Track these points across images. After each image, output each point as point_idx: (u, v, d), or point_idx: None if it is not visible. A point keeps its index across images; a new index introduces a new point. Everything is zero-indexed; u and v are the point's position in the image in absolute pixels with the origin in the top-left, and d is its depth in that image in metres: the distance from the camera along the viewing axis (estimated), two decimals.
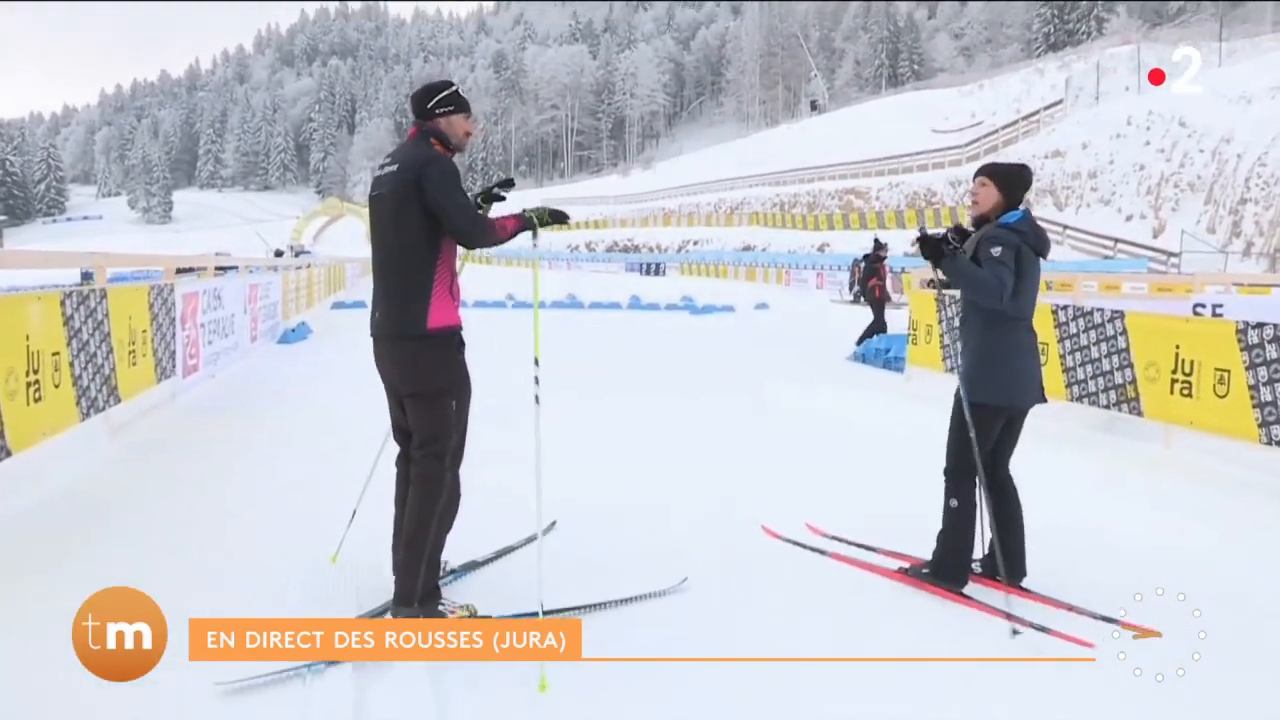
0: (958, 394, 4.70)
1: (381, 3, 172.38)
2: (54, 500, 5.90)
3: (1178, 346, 7.98)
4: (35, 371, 5.92)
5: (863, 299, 32.91)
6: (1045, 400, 4.79)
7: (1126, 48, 54.87)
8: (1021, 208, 4.74)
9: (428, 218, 3.99)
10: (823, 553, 5.25)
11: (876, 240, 18.40)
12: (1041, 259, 4.68)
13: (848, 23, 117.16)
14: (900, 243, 43.40)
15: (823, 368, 13.54)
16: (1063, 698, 3.68)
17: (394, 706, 3.39)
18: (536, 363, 4.35)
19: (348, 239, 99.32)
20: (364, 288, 36.25)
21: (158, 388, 8.86)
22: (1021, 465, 4.85)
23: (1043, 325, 8.75)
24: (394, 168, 4.07)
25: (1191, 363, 7.84)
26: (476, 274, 62.66)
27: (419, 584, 4.01)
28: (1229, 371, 7.48)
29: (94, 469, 6.73)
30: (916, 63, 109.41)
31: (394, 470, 4.36)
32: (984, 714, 3.56)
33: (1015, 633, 4.17)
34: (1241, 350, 7.36)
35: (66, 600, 3.30)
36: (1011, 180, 4.69)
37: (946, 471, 4.78)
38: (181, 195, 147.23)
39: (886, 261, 17.39)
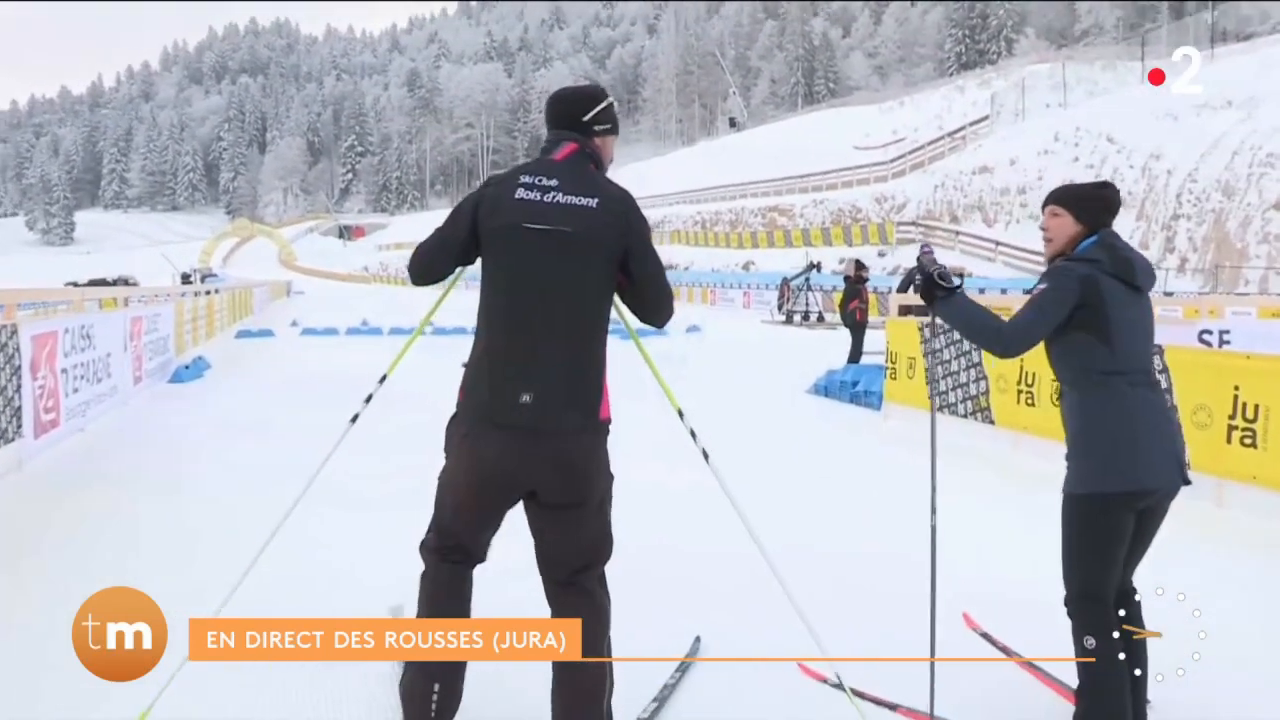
0: (1063, 490, 3.47)
1: (295, 15, 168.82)
2: None
3: (1236, 387, 6.76)
4: None
5: (790, 320, 32.65)
6: (1187, 480, 3.43)
7: (1045, 66, 55.10)
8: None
9: (615, 275, 3.18)
10: (894, 708, 3.76)
11: (858, 261, 17.30)
12: (1139, 290, 3.49)
13: (763, 41, 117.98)
14: (830, 261, 42.81)
15: (784, 403, 12.20)
16: (1046, 703, 3.58)
17: (394, 706, 3.36)
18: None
19: (258, 261, 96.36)
20: (274, 314, 34.32)
21: None
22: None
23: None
24: (591, 201, 3.13)
25: (1256, 407, 6.62)
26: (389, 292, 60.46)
27: None
28: None
29: None
30: (832, 81, 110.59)
31: (415, 587, 3.36)
32: None
33: None
34: None
35: None
36: (1090, 205, 3.58)
37: (1068, 601, 3.45)
38: (84, 216, 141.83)
39: (869, 284, 16.18)
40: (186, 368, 14.63)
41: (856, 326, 15.41)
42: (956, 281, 3.58)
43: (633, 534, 4.81)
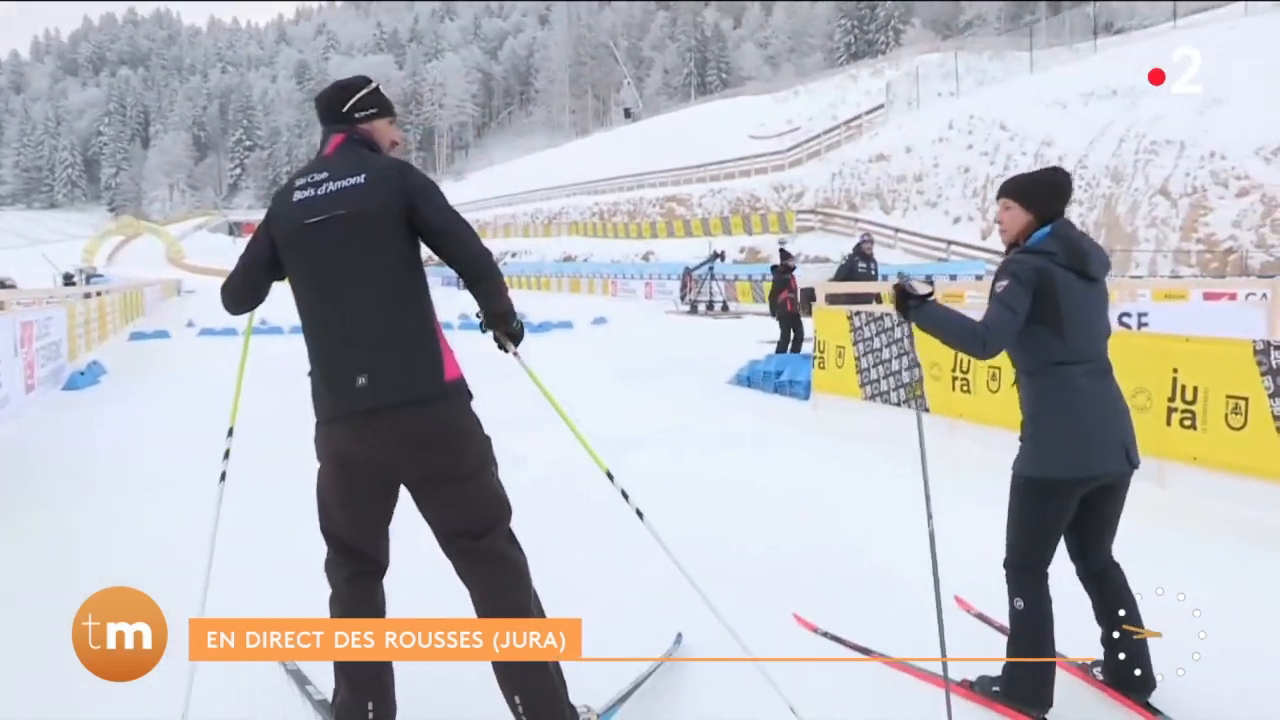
0: (1013, 468, 3.71)
1: (175, 6, 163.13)
2: None
3: (1175, 370, 6.80)
4: None
5: (695, 310, 32.64)
6: (1131, 466, 3.64)
7: (936, 55, 55.99)
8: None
9: (414, 241, 3.18)
10: (867, 652, 4.20)
11: (783, 250, 17.20)
12: (1094, 279, 3.63)
13: (655, 32, 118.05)
14: (731, 250, 42.95)
15: (707, 395, 12.05)
16: (1063, 698, 3.60)
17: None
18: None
19: (145, 260, 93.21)
20: (167, 313, 33.16)
21: None
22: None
23: None
24: (356, 179, 3.14)
25: (1195, 389, 6.66)
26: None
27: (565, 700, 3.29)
28: (1246, 399, 6.32)
29: None
30: (724, 71, 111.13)
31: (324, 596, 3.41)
32: None
33: None
34: (1263, 375, 6.21)
35: None
36: (1038, 192, 3.71)
37: (1006, 565, 3.73)
38: None
39: (796, 272, 16.04)
40: (82, 374, 13.93)
41: (787, 317, 15.16)
42: (927, 290, 3.67)
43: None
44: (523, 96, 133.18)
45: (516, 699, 3.24)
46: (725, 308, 32.10)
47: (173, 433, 9.50)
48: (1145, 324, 10.25)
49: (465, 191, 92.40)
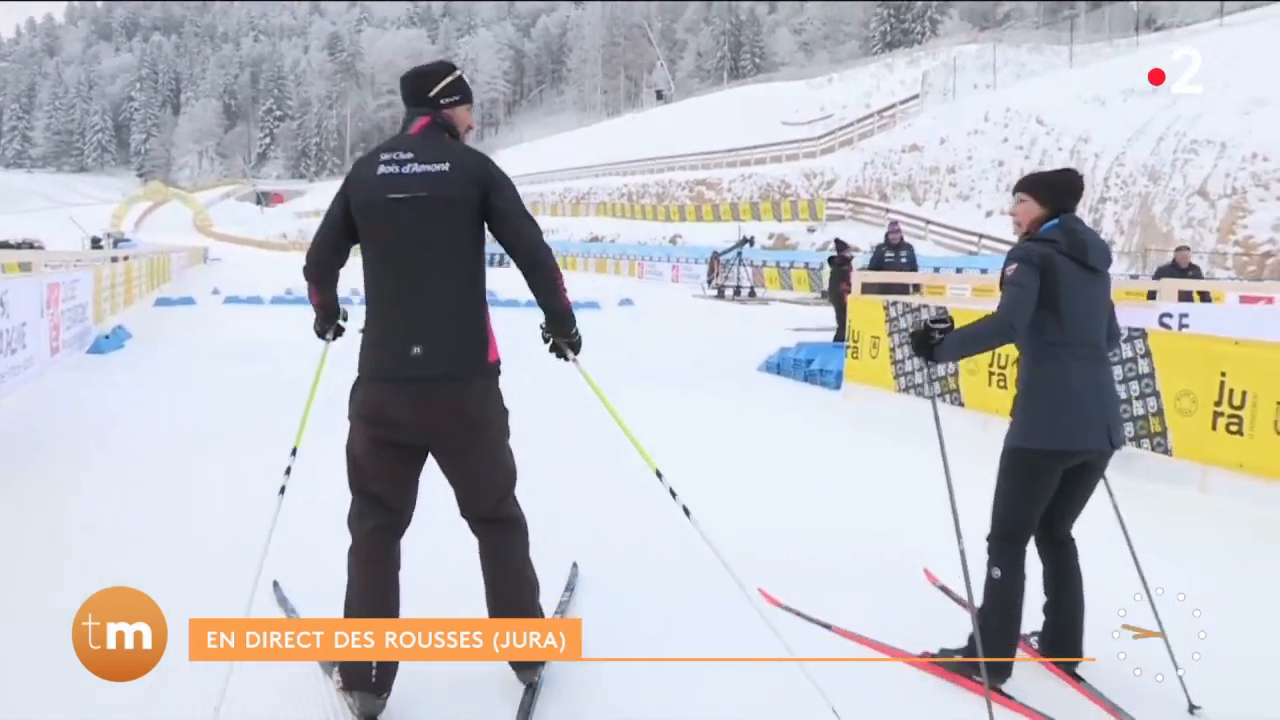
0: (1005, 443, 3.97)
1: None
2: None
3: (1223, 374, 6.61)
4: None
5: (721, 294, 32.41)
6: (1113, 446, 3.88)
7: (973, 46, 55.37)
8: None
9: (482, 230, 3.47)
10: (828, 627, 4.41)
11: (840, 240, 16.86)
12: (1095, 270, 3.90)
13: (689, 15, 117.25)
14: (761, 236, 42.71)
15: (737, 381, 11.86)
16: (1062, 697, 3.66)
17: (394, 706, 3.49)
18: None
19: (172, 226, 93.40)
20: (193, 281, 33.17)
21: None
22: None
23: None
24: (441, 166, 3.39)
25: (1244, 394, 6.46)
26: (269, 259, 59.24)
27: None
28: None
29: None
30: (758, 56, 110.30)
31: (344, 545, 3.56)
32: None
33: None
34: None
35: None
36: (1051, 188, 4.00)
37: (989, 537, 3.96)
38: None
39: (854, 262, 15.77)
40: (107, 337, 13.89)
41: (845, 307, 14.79)
42: (944, 325, 3.87)
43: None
44: (554, 75, 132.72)
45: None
46: (753, 293, 31.88)
47: (193, 404, 9.45)
48: (1186, 325, 10.03)
49: None
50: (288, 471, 3.73)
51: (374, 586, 3.51)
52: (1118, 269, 29.84)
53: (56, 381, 10.60)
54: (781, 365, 12.38)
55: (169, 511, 5.82)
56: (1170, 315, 10.14)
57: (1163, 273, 15.55)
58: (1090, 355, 3.85)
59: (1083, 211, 29.16)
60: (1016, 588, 3.87)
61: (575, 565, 4.91)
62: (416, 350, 3.34)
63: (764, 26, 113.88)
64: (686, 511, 3.60)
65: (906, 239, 16.09)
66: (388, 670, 3.45)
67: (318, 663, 3.71)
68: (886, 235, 15.19)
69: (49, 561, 4.93)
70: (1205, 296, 12.71)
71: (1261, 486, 6.41)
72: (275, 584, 4.47)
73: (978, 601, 3.79)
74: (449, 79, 3.59)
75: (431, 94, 3.56)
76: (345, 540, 3.55)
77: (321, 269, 3.65)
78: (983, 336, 3.90)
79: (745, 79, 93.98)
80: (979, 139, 40.15)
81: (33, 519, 5.61)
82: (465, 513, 3.61)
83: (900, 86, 56.21)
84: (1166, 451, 6.98)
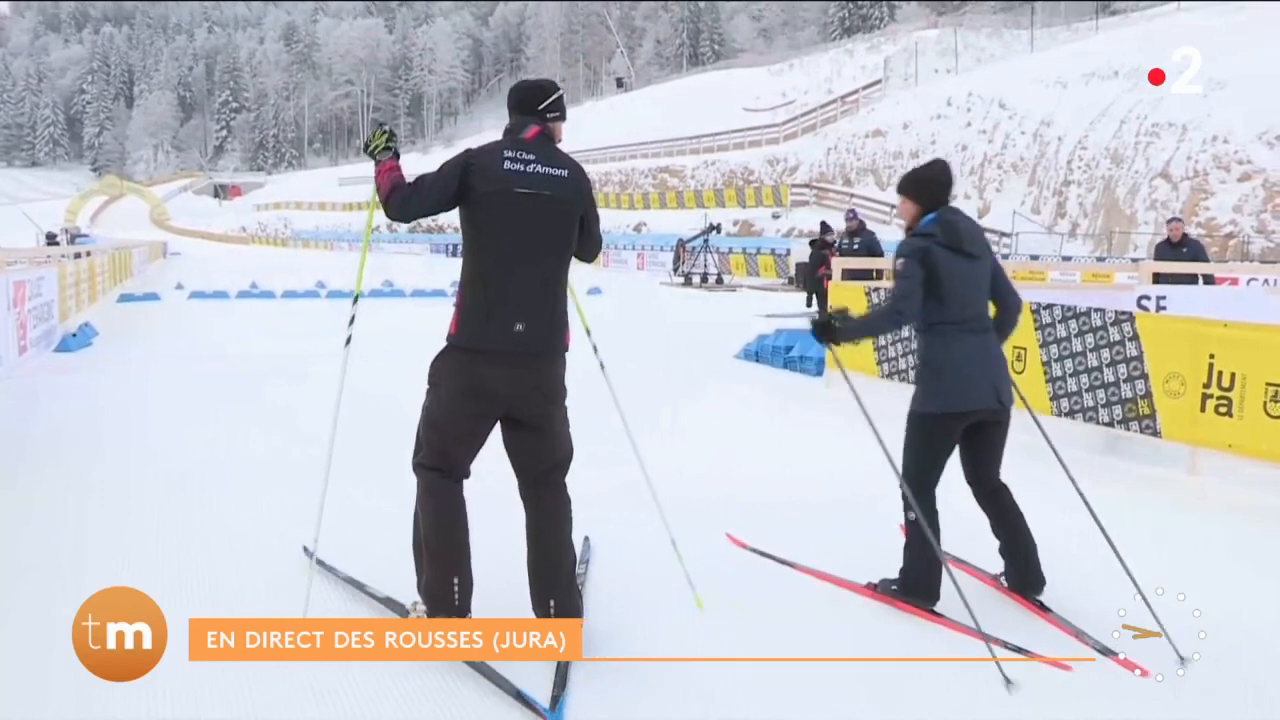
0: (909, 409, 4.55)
1: None
2: None
3: (1212, 356, 6.64)
4: None
5: (689, 282, 32.42)
6: (1001, 404, 4.41)
7: (934, 32, 55.67)
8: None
9: (575, 228, 3.98)
10: (791, 565, 4.96)
11: (824, 224, 16.77)
12: (970, 256, 4.38)
13: (647, 3, 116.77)
14: (727, 222, 42.70)
15: (715, 369, 11.82)
16: (1063, 697, 3.67)
17: (395, 706, 3.46)
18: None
19: (129, 221, 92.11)
20: (155, 276, 32.75)
21: None
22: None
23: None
24: (563, 172, 3.92)
25: (1232, 376, 6.50)
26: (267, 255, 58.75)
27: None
28: None
29: None
30: (717, 43, 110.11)
31: (446, 507, 3.92)
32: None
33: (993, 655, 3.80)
34: None
35: None
36: (920, 185, 4.52)
37: (902, 485, 4.44)
38: None
39: (836, 247, 15.60)
40: (73, 335, 13.66)
41: (821, 294, 14.60)
42: (844, 315, 4.49)
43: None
44: (513, 64, 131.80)
45: (551, 603, 3.85)
46: (720, 280, 31.87)
47: (165, 404, 9.29)
48: (1164, 307, 10.07)
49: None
50: (351, 321, 4.22)
51: (457, 526, 3.85)
52: (1082, 251, 30.15)
53: (24, 383, 10.36)
54: (760, 353, 12.33)
55: (167, 511, 5.71)
56: (1148, 298, 10.16)
57: (1161, 251, 15.09)
58: (973, 330, 4.38)
59: (1046, 195, 29.42)
60: (931, 527, 4.34)
61: (587, 539, 5.07)
62: (519, 327, 3.76)
63: (722, 13, 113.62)
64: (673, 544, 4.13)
65: (870, 225, 16.00)
66: (468, 591, 3.79)
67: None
68: (846, 224, 15.11)
69: (49, 562, 4.82)
70: (1209, 280, 12.51)
71: (1251, 468, 6.47)
72: (305, 549, 4.55)
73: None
74: (555, 96, 4.06)
75: (540, 107, 4.01)
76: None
77: (406, 219, 3.97)
78: (878, 324, 4.88)
79: (705, 66, 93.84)
80: (942, 124, 40.40)
81: (33, 519, 5.50)
82: (525, 477, 3.96)
83: (861, 72, 56.46)
84: (1155, 434, 7.02)
